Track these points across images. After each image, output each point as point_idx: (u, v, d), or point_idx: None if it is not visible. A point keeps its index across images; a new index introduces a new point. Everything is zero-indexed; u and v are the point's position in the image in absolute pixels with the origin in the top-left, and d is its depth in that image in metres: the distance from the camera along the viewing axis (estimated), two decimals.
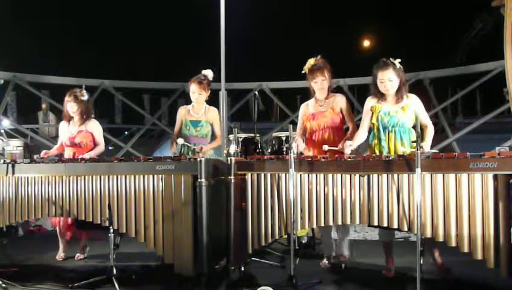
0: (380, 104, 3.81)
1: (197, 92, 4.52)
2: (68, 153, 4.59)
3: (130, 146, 10.85)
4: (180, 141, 4.33)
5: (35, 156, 4.19)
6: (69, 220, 4.45)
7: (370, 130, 3.91)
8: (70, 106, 4.57)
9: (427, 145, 3.61)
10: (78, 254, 4.61)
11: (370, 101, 3.88)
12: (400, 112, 3.73)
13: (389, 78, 3.71)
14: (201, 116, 4.57)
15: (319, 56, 4.18)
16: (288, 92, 12.48)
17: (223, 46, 6.19)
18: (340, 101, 4.14)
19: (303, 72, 4.20)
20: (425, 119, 3.79)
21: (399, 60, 3.75)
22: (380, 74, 3.74)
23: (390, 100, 3.79)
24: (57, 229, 4.60)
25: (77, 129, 4.58)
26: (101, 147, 4.64)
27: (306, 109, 4.24)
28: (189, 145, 4.38)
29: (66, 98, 4.60)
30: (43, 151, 4.52)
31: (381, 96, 3.81)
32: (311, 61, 4.14)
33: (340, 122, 4.12)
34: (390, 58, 3.75)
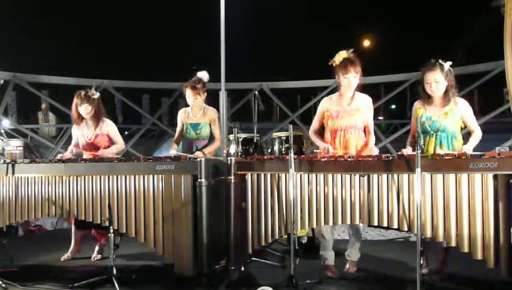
0: (424, 108, 3.72)
1: (192, 97, 4.44)
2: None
3: (130, 146, 10.84)
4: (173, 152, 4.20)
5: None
6: None
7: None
8: (84, 108, 4.40)
9: (469, 147, 3.51)
10: (94, 255, 4.56)
11: (415, 106, 3.81)
12: (442, 116, 3.65)
13: (435, 80, 3.60)
14: (200, 118, 4.51)
15: (351, 50, 3.85)
16: (288, 92, 12.46)
17: (223, 46, 6.19)
18: (365, 103, 3.90)
19: (330, 63, 3.86)
20: (473, 125, 3.67)
21: (450, 63, 3.65)
22: (427, 75, 3.64)
23: (436, 103, 3.69)
24: (73, 228, 4.56)
25: (94, 133, 4.47)
26: (119, 145, 4.51)
27: (329, 103, 3.93)
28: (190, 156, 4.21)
29: (76, 101, 4.41)
30: (59, 155, 4.41)
31: (427, 98, 3.71)
32: (343, 54, 3.82)
33: (362, 123, 3.90)
34: (440, 60, 3.64)
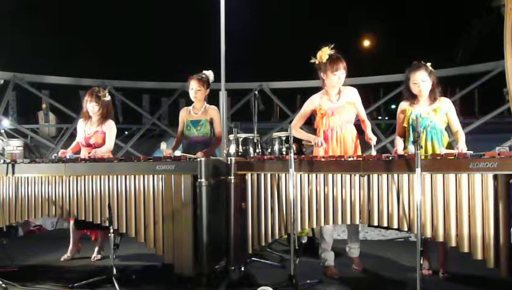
0: (411, 107, 3.79)
1: (195, 88, 4.45)
2: (84, 153, 4.49)
3: (130, 146, 10.84)
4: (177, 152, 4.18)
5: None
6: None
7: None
8: (91, 106, 4.47)
9: (463, 146, 3.56)
10: (94, 255, 4.57)
11: (402, 105, 3.86)
12: (431, 113, 3.73)
13: (422, 79, 3.71)
14: (201, 115, 4.51)
15: (332, 45, 3.82)
16: (288, 92, 12.45)
17: (223, 46, 6.18)
18: (353, 94, 3.91)
19: (312, 61, 3.86)
20: (457, 124, 3.78)
21: (430, 64, 3.75)
22: (413, 75, 3.74)
23: (423, 102, 3.77)
24: (72, 228, 4.56)
25: (94, 130, 4.51)
26: (106, 147, 4.48)
27: (319, 101, 3.90)
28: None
29: (86, 98, 4.51)
30: (61, 151, 4.40)
31: (413, 99, 3.79)
32: (327, 51, 3.81)
33: (354, 115, 3.91)
34: (422, 61, 3.76)
